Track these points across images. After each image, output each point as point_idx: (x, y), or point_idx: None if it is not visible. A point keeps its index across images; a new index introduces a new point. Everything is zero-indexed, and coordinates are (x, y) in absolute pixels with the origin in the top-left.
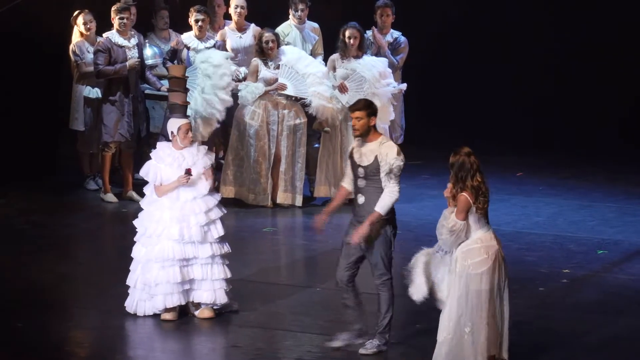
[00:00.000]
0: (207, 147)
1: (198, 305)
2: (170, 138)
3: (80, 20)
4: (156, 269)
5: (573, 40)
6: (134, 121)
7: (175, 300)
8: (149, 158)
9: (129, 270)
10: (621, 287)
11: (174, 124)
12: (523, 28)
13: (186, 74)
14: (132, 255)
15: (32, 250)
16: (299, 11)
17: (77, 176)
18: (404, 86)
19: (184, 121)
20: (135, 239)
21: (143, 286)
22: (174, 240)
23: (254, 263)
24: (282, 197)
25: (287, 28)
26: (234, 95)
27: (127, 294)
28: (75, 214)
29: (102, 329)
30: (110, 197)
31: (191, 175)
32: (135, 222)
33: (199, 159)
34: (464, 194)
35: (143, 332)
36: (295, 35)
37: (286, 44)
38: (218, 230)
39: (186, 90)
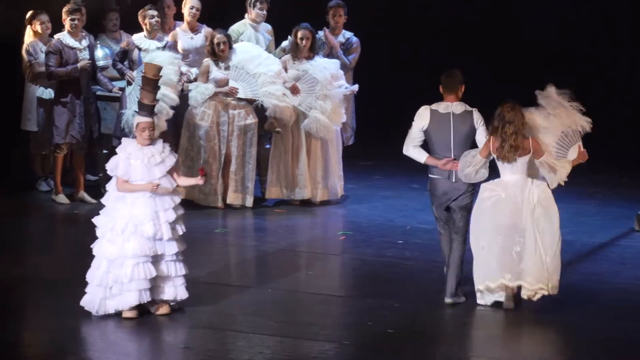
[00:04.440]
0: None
1: (154, 302)
2: (135, 134)
3: (37, 20)
4: (130, 266)
5: (565, 40)
6: (85, 122)
7: (147, 297)
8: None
9: (82, 271)
10: (574, 287)
11: (135, 120)
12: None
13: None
14: (94, 252)
15: None
16: (257, 8)
17: (28, 177)
18: (355, 87)
19: (143, 119)
20: (98, 236)
21: (113, 283)
22: (147, 238)
23: (205, 264)
24: (232, 198)
25: (242, 27)
26: (185, 96)
27: (82, 295)
28: (27, 215)
29: (55, 331)
30: (62, 198)
31: (157, 188)
32: (98, 219)
33: (166, 156)
34: (490, 137)
35: (95, 333)
36: (250, 35)
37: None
38: (182, 227)
39: (156, 90)
